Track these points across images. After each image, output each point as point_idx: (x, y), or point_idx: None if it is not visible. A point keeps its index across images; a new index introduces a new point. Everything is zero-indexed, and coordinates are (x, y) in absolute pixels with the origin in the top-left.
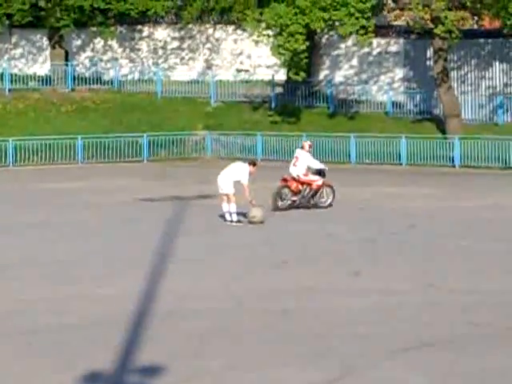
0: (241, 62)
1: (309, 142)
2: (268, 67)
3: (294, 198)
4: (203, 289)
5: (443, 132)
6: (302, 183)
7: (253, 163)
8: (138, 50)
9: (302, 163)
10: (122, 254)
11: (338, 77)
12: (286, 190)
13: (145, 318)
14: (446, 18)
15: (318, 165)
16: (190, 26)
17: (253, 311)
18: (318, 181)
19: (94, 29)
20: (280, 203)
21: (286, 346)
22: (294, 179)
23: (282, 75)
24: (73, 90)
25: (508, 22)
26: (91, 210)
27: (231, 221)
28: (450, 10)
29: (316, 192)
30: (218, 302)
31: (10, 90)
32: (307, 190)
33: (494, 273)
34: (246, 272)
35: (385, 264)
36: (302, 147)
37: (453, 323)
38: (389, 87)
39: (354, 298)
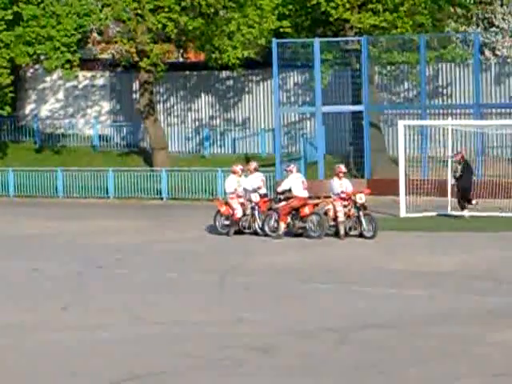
0: None
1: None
2: None
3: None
4: None
5: (151, 164)
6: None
7: None
8: None
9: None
10: None
11: (45, 111)
12: None
13: None
14: (151, 51)
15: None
16: None
17: None
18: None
19: None
20: None
21: None
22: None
23: None
24: None
25: (212, 55)
26: None
27: None
28: (155, 42)
29: None
30: None
31: None
32: None
33: (201, 304)
34: None
35: (92, 298)
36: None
37: (163, 355)
38: (95, 120)
39: (61, 333)
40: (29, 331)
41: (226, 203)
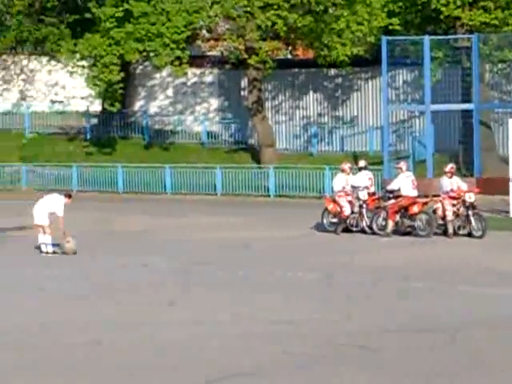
0: (55, 93)
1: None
2: (83, 98)
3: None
4: (9, 321)
5: (258, 162)
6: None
7: (68, 195)
8: None
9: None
10: None
11: (154, 107)
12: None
13: None
14: (259, 48)
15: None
16: (4, 56)
17: (62, 344)
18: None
19: None
20: None
21: (95, 380)
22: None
23: (97, 106)
24: None
25: (321, 52)
26: None
27: (47, 252)
28: (264, 40)
29: None
30: (26, 335)
31: None
32: None
33: (305, 302)
34: (52, 304)
35: (197, 295)
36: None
37: (264, 352)
38: (204, 117)
39: (167, 328)
40: (134, 326)
41: (334, 201)
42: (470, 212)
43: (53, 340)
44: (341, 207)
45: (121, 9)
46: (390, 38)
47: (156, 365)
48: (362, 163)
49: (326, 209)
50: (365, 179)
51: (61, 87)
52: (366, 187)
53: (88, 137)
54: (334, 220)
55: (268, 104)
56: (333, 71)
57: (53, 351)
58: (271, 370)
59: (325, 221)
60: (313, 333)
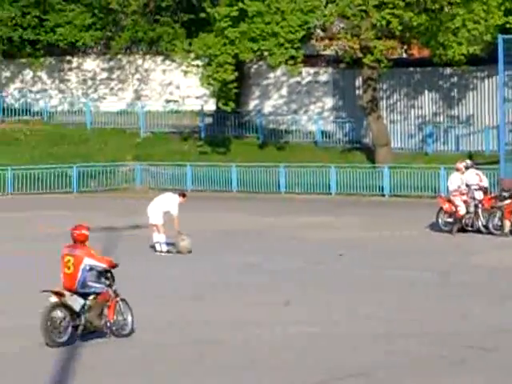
0: (170, 93)
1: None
2: (197, 98)
3: None
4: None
5: (373, 161)
6: None
7: (182, 194)
8: (68, 80)
9: None
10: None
11: (268, 107)
12: None
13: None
14: (374, 47)
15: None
16: (119, 56)
17: (176, 342)
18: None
19: (23, 60)
20: None
21: (212, 378)
22: None
23: (211, 105)
24: (2, 121)
25: (437, 51)
26: (17, 241)
27: (161, 251)
28: (379, 39)
29: None
30: (145, 333)
31: None
32: None
33: (420, 302)
34: (171, 303)
35: (314, 294)
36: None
37: (380, 352)
38: (318, 117)
39: (282, 328)
40: (250, 326)
41: (449, 200)
42: None
43: (161, 340)
44: (456, 207)
45: (235, 8)
46: (506, 36)
47: (269, 365)
48: (467, 163)
49: (441, 208)
50: (473, 176)
51: (175, 87)
52: (479, 185)
53: (202, 136)
54: (450, 220)
55: (383, 103)
56: (448, 70)
57: (168, 350)
58: (386, 370)
59: (440, 220)
60: (428, 333)
